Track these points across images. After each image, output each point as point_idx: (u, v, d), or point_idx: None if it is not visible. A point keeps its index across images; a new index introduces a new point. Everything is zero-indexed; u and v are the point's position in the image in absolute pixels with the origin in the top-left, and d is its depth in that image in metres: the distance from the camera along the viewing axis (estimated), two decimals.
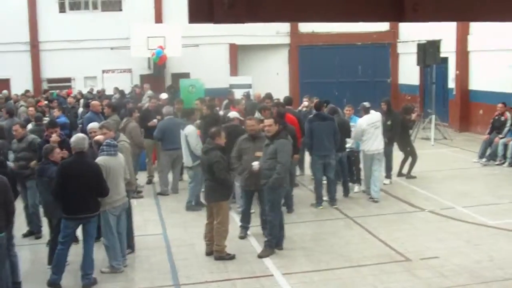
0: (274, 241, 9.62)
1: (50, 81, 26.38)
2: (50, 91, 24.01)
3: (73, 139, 8.68)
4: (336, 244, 10.08)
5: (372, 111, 13.13)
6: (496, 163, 16.18)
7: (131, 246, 9.76)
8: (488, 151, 16.53)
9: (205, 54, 26.11)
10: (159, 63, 24.85)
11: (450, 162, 17.05)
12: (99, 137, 9.48)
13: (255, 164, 9.70)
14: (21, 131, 11.07)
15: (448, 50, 22.03)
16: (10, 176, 8.34)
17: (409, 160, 14.96)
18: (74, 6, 26.75)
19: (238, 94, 19.82)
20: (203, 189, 11.15)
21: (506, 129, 16.37)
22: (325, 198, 12.45)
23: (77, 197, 8.24)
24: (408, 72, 26.42)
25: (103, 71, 26.45)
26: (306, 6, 1.96)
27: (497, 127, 16.65)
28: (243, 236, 10.43)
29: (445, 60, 22.40)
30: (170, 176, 14.05)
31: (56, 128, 11.20)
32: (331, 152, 12.18)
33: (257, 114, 12.81)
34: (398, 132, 14.29)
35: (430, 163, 16.32)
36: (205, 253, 9.63)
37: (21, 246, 10.10)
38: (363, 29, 25.85)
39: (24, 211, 10.92)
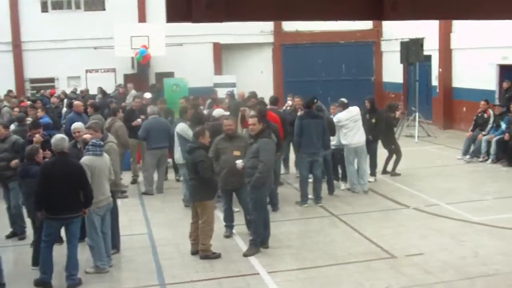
0: (259, 239, 9.63)
1: (33, 81, 26.19)
2: (33, 92, 23.85)
3: (52, 140, 8.64)
4: (321, 242, 10.10)
5: (350, 106, 13.32)
6: (480, 159, 16.29)
7: (116, 246, 9.72)
8: (472, 148, 16.64)
9: (189, 53, 26.05)
10: (142, 63, 24.77)
11: (434, 159, 17.15)
12: (86, 136, 9.42)
13: (239, 162, 9.70)
14: (4, 132, 10.97)
15: (431, 48, 22.12)
16: None
17: (394, 157, 15.03)
18: (57, 6, 26.56)
19: (222, 93, 19.82)
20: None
21: (489, 126, 16.49)
22: (310, 196, 12.47)
23: (60, 197, 8.19)
24: (392, 70, 26.53)
25: (87, 71, 26.29)
26: (285, 5, 1.96)
27: (480, 124, 16.76)
28: (228, 235, 10.43)
29: (428, 58, 22.50)
30: (155, 176, 14.01)
31: (39, 128, 11.14)
32: (319, 150, 12.25)
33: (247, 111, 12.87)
34: (382, 129, 14.35)
35: (414, 160, 16.40)
36: (190, 252, 9.61)
37: (5, 247, 10.06)
38: (346, 28, 25.89)
39: (7, 212, 10.85)
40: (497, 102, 18.72)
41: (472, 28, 19.84)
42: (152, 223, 11.54)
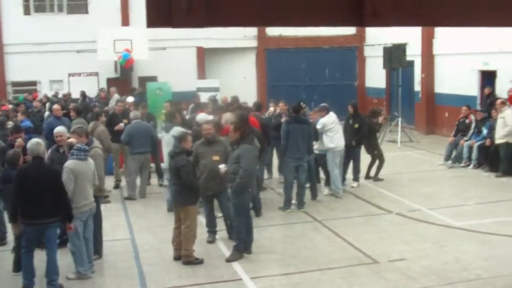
0: (242, 245, 9.60)
1: (15, 84, 25.96)
2: (16, 96, 23.66)
3: (28, 144, 8.58)
4: (304, 248, 10.09)
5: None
6: (462, 165, 16.38)
7: (98, 251, 9.65)
8: (454, 154, 16.74)
9: (172, 57, 26.00)
10: (126, 67, 24.66)
11: (417, 165, 17.23)
12: (72, 140, 9.35)
13: (222, 167, 9.68)
14: None
15: (414, 53, 22.28)
16: None
17: (377, 163, 15.09)
18: (39, 9, 26.39)
19: (205, 97, 19.77)
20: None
21: (471, 131, 16.59)
22: (293, 201, 12.47)
23: (35, 203, 8.12)
24: (375, 75, 26.66)
25: (69, 75, 26.12)
26: (266, 11, 1.95)
27: (462, 129, 16.87)
28: (211, 241, 10.39)
29: (411, 63, 22.64)
30: (138, 181, 13.94)
31: (21, 133, 11.04)
32: (305, 155, 12.28)
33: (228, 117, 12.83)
34: (365, 134, 14.40)
35: (397, 165, 16.47)
36: (173, 257, 9.56)
37: None
38: (330, 33, 25.95)
39: None
40: (478, 107, 18.86)
41: (454, 34, 19.98)
42: (134, 228, 11.48)
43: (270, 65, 27.86)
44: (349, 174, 14.52)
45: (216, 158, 9.94)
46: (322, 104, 13.87)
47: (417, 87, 23.54)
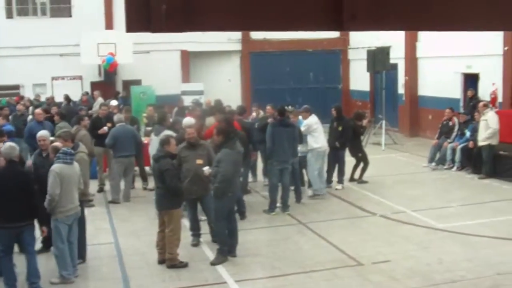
0: (225, 248, 9.59)
1: None
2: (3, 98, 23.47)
3: (2, 148, 8.53)
4: (289, 250, 10.11)
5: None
6: (445, 167, 16.49)
7: (82, 256, 9.59)
8: (437, 156, 16.83)
9: (157, 61, 25.94)
10: (109, 70, 24.57)
11: (401, 167, 17.31)
12: (57, 144, 9.30)
13: (206, 169, 9.66)
14: None
15: (397, 56, 22.38)
16: None
17: (361, 165, 15.14)
18: (22, 12, 26.23)
19: (189, 101, 19.73)
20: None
21: (454, 134, 16.70)
22: (278, 204, 12.48)
23: (9, 207, 8.09)
24: (359, 78, 26.74)
25: (53, 78, 25.96)
26: (246, 15, 1.95)
27: (445, 132, 16.97)
28: (195, 244, 10.37)
29: (394, 66, 22.75)
30: (121, 184, 13.88)
31: (3, 137, 10.97)
32: (290, 158, 12.31)
33: (210, 120, 12.85)
34: (349, 137, 14.47)
35: (381, 168, 16.53)
36: (157, 261, 9.54)
37: None
38: (314, 36, 26.02)
39: None
40: (461, 110, 19.02)
41: (438, 37, 20.13)
42: (118, 232, 11.43)
43: (254, 69, 27.89)
44: (334, 177, 14.56)
45: (199, 161, 9.93)
46: (305, 106, 13.96)
47: (401, 90, 23.66)
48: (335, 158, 14.27)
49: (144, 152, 14.58)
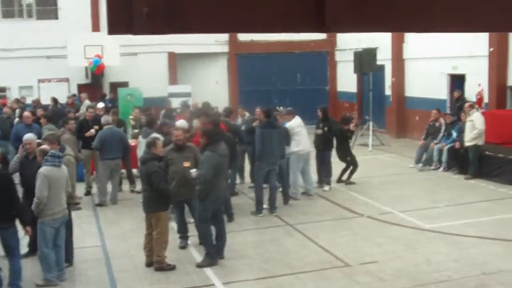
0: (213, 250, 9.57)
1: None
2: None
3: None
4: (276, 252, 10.11)
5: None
6: (432, 168, 16.57)
7: (69, 259, 9.54)
8: (424, 157, 16.91)
9: (144, 63, 25.87)
10: (96, 72, 24.44)
11: (388, 168, 17.37)
12: (44, 147, 9.26)
13: (193, 171, 9.64)
14: None
15: (384, 57, 22.45)
16: None
17: (350, 168, 15.18)
18: (8, 14, 26.06)
19: (177, 103, 19.71)
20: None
21: (441, 134, 16.77)
22: (265, 206, 12.48)
23: None
24: (346, 79, 26.79)
25: (39, 81, 25.81)
26: (227, 17, 1.95)
27: (431, 133, 17.04)
28: (183, 246, 10.35)
29: (381, 67, 22.81)
30: (108, 187, 13.83)
31: None
32: (277, 160, 12.33)
33: (195, 123, 12.84)
34: (337, 137, 14.54)
35: (368, 169, 16.57)
36: (145, 264, 9.51)
37: None
38: (301, 38, 26.02)
39: None
40: (448, 111, 19.11)
41: (424, 38, 20.19)
42: (106, 235, 11.39)
43: (241, 70, 27.88)
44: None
45: (186, 164, 9.91)
46: (288, 108, 14.02)
47: (388, 91, 23.75)
48: (321, 160, 14.32)
49: (132, 155, 14.54)
